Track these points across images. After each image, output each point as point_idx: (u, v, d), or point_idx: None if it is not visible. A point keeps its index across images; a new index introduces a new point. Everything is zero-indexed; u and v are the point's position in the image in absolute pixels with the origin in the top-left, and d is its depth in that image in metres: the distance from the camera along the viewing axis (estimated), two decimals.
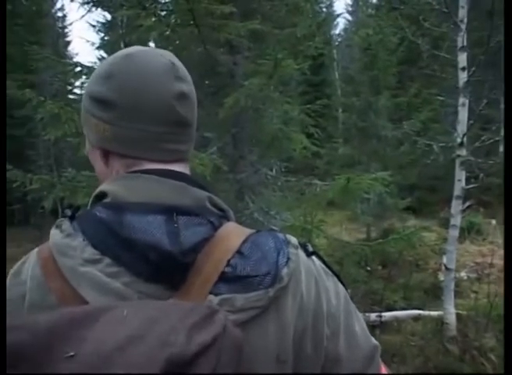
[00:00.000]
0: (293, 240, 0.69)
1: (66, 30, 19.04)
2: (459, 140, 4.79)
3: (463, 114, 4.87)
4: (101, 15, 15.00)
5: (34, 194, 3.96)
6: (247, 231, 0.68)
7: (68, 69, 4.13)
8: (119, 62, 0.70)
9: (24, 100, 3.40)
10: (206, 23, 3.32)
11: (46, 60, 3.92)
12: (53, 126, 3.40)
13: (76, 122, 3.29)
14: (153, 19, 3.36)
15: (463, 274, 7.22)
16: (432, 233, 8.61)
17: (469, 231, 9.25)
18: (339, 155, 11.22)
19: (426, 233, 6.95)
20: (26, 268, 0.65)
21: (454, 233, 4.87)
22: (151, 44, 4.57)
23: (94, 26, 15.12)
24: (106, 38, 15.32)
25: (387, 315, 5.37)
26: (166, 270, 0.60)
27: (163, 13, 3.64)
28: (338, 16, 25.25)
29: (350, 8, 27.06)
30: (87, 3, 5.63)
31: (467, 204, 7.47)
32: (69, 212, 0.67)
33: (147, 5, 3.32)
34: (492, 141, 5.27)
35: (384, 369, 0.73)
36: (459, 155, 4.79)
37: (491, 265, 6.11)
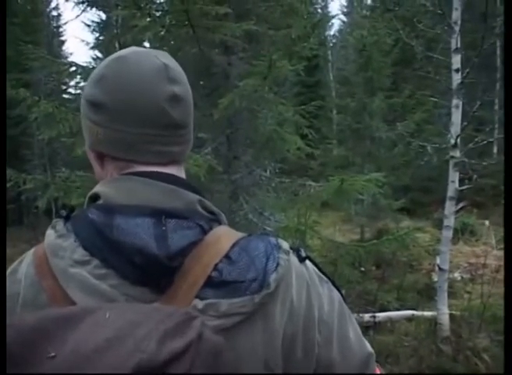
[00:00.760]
0: (285, 245, 0.68)
1: (61, 30, 18.94)
2: (452, 141, 4.80)
3: (456, 116, 4.89)
4: (95, 14, 14.98)
5: (28, 194, 3.96)
6: (238, 235, 0.67)
7: (62, 68, 4.10)
8: (111, 65, 0.70)
9: (18, 99, 3.38)
10: (201, 24, 3.30)
11: (40, 59, 3.89)
12: (47, 125, 3.40)
13: (71, 121, 3.29)
14: (148, 19, 3.36)
15: (456, 275, 7.26)
16: (425, 234, 8.66)
17: (462, 232, 9.29)
18: (334, 156, 11.28)
19: (420, 234, 7.00)
20: (22, 267, 0.66)
21: (448, 234, 4.88)
22: (146, 45, 4.56)
23: (88, 25, 15.00)
24: (101, 38, 15.20)
25: (381, 315, 5.38)
26: (152, 274, 0.59)
27: (158, 13, 3.61)
28: (333, 17, 25.31)
29: (345, 10, 27.16)
30: (82, 2, 5.64)
31: (461, 205, 7.52)
32: (64, 213, 0.67)
33: (142, 5, 3.31)
34: (485, 142, 5.28)
35: (379, 373, 0.73)
36: (452, 157, 4.81)
37: (484, 265, 6.13)
